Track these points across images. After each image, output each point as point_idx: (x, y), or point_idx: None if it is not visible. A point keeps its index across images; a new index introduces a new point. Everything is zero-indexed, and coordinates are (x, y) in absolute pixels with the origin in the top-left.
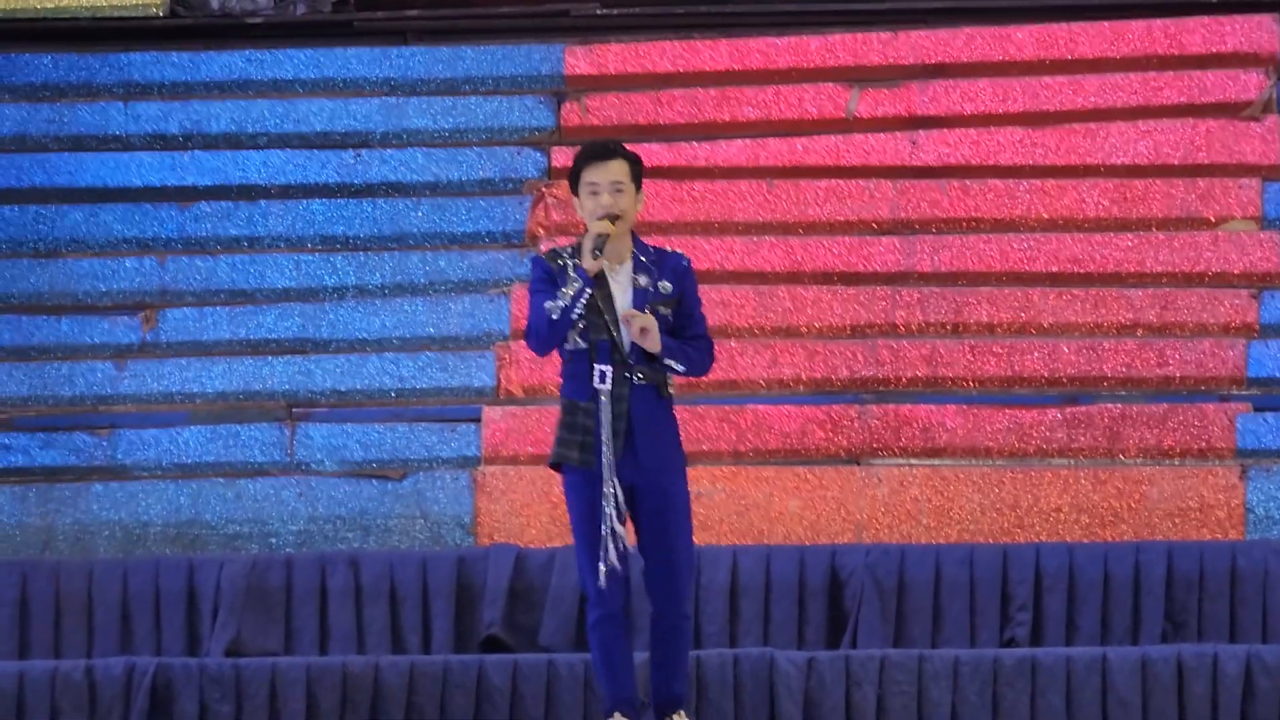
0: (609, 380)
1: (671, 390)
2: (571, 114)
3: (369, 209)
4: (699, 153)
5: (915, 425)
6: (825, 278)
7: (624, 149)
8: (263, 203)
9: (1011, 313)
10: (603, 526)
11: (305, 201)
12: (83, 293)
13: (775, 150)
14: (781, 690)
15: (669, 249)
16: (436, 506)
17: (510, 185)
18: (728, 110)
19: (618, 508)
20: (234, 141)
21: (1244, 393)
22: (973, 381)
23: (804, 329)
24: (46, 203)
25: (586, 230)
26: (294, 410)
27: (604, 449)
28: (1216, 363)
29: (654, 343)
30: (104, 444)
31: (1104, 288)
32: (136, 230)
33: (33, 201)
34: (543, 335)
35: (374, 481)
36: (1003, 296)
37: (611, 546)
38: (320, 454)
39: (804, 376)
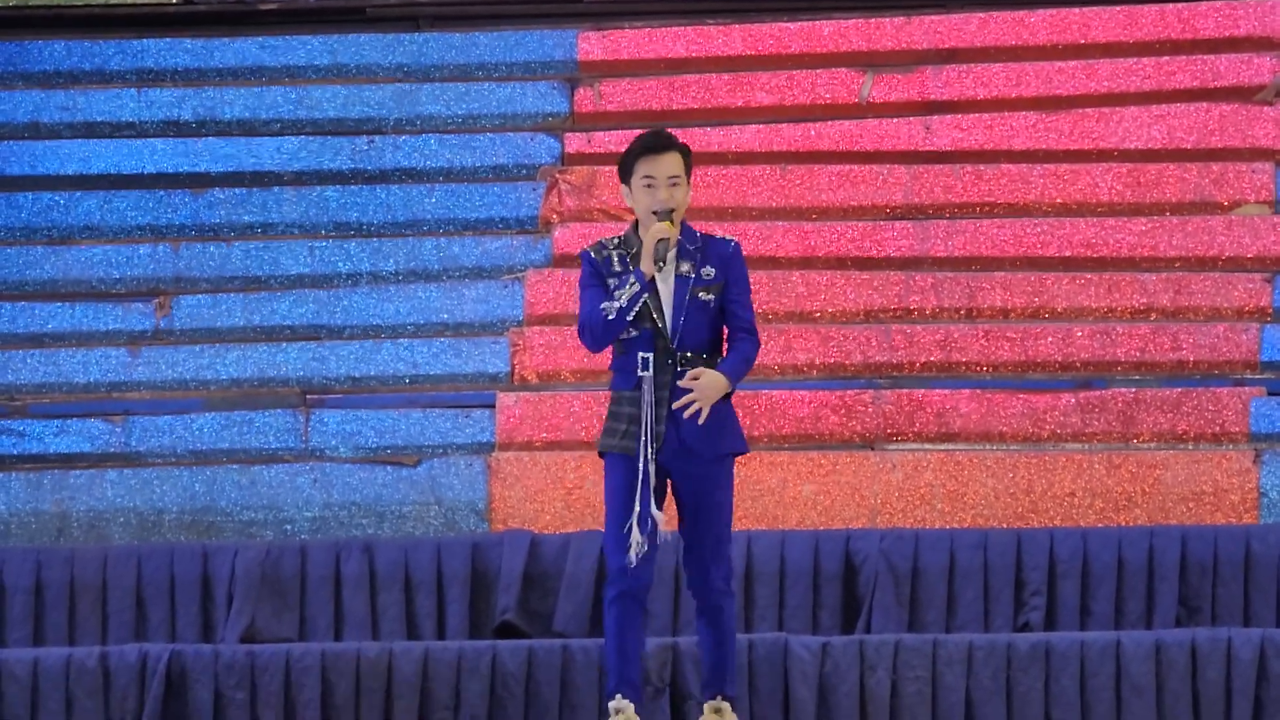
0: (651, 367)
1: None
2: (585, 100)
3: (383, 195)
4: (712, 138)
5: (929, 410)
6: (839, 263)
7: (677, 140)
8: (276, 189)
9: (1025, 297)
10: (636, 506)
11: (319, 188)
12: (96, 280)
13: (789, 135)
14: (795, 675)
15: (718, 235)
16: (451, 492)
17: (524, 171)
18: (741, 95)
19: (654, 491)
20: (247, 128)
21: (1258, 377)
22: (986, 366)
23: (818, 314)
24: (60, 190)
25: (634, 225)
26: (308, 397)
27: (643, 433)
28: (1230, 347)
29: (720, 393)
30: (118, 431)
31: (1117, 272)
32: (150, 217)
33: (46, 188)
34: (597, 334)
35: (388, 468)
36: (1016, 281)
37: (636, 527)
38: (334, 440)
39: (818, 361)
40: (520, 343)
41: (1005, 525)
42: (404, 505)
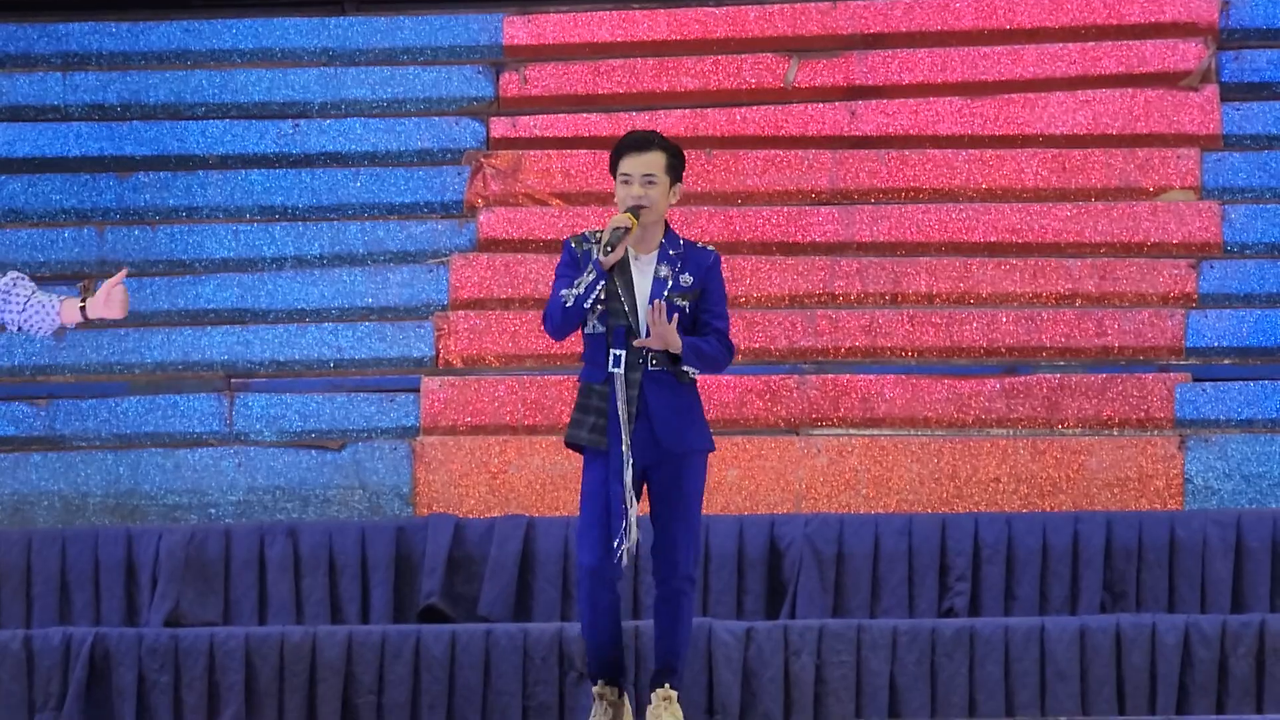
0: (623, 364)
1: (693, 375)
2: (510, 84)
3: (307, 179)
4: (638, 123)
5: (854, 395)
6: (764, 248)
7: (664, 140)
8: (201, 173)
9: (950, 283)
10: (624, 507)
11: (244, 172)
12: (21, 263)
13: (714, 120)
14: (720, 660)
15: (701, 244)
16: (375, 477)
17: (449, 155)
18: (666, 80)
19: (633, 489)
20: (172, 112)
21: (1183, 363)
22: (911, 352)
23: (742, 299)
24: None
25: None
26: (232, 381)
27: (621, 431)
28: (1155, 333)
29: (673, 344)
30: (42, 414)
31: (1043, 258)
32: (75, 201)
33: None
34: (556, 322)
35: (313, 452)
36: (941, 266)
37: (625, 528)
38: (259, 424)
39: (742, 346)
40: (445, 327)
41: (930, 510)
42: (328, 489)
